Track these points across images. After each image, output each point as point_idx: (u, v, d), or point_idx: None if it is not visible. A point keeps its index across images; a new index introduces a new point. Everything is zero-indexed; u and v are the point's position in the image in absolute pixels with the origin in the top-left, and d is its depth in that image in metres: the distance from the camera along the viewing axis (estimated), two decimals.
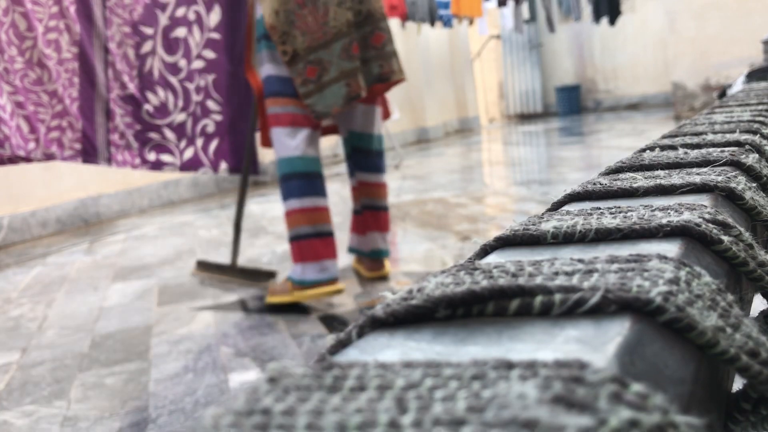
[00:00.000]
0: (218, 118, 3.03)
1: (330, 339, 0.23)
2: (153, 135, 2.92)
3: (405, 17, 6.24)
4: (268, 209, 4.40)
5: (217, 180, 5.66)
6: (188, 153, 2.97)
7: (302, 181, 2.22)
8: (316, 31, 2.13)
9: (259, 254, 3.17)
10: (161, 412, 1.63)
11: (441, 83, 8.53)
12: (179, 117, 2.96)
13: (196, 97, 2.99)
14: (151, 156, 2.92)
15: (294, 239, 2.24)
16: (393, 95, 7.41)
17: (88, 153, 2.80)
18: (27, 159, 2.67)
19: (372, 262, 2.52)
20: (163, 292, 2.72)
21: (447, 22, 6.68)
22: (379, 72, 2.24)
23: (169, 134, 2.94)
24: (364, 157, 2.45)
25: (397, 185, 4.85)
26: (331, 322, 2.15)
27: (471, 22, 6.95)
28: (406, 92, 8.05)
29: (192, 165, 2.99)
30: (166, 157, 2.94)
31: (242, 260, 3.08)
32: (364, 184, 2.47)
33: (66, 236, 4.27)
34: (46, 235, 4.37)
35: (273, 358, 1.89)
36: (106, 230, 4.35)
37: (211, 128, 2.99)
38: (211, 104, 2.99)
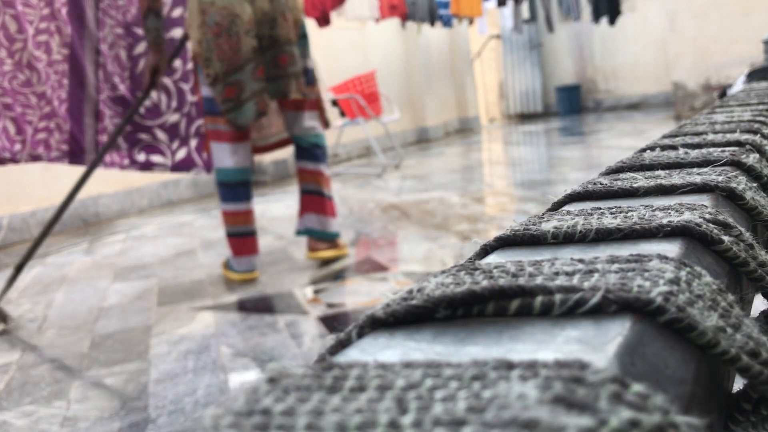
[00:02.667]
0: None
1: (330, 339, 0.23)
2: (143, 136, 2.92)
3: (405, 17, 6.24)
4: (268, 209, 4.40)
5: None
6: (181, 153, 2.97)
7: (226, 189, 2.64)
8: (231, 57, 2.47)
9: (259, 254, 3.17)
10: (161, 412, 1.63)
11: (441, 83, 8.53)
12: (172, 117, 2.96)
13: (191, 98, 2.99)
14: (141, 156, 2.92)
15: (227, 235, 2.72)
16: (393, 95, 7.42)
17: (75, 154, 2.80)
18: (12, 161, 2.67)
19: (312, 242, 2.83)
20: (163, 292, 2.72)
21: (447, 22, 6.68)
22: (281, 89, 2.59)
23: (161, 135, 2.94)
24: (302, 150, 2.80)
25: (397, 185, 4.85)
26: (331, 322, 2.15)
27: (471, 22, 6.95)
28: (406, 92, 8.05)
29: (184, 165, 2.99)
30: (156, 158, 2.94)
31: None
32: (301, 170, 2.82)
33: (66, 236, 4.27)
34: None
35: (273, 358, 1.89)
36: (105, 230, 4.35)
37: (205, 128, 2.99)
38: None
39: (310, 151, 2.78)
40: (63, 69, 2.78)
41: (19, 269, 2.59)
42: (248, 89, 2.51)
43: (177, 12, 2.95)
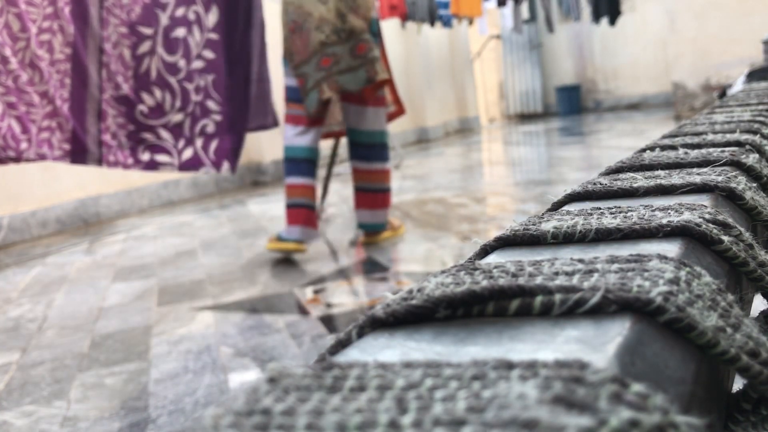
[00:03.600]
0: (218, 118, 3.02)
1: (330, 339, 0.23)
2: (147, 135, 2.92)
3: (405, 17, 6.24)
4: (268, 209, 4.40)
5: (216, 180, 5.66)
6: (187, 153, 2.97)
7: (293, 164, 2.91)
8: (302, 51, 2.77)
9: (258, 254, 3.17)
10: (161, 412, 1.63)
11: (441, 83, 8.53)
12: (176, 117, 2.96)
13: (195, 97, 2.99)
14: (145, 156, 2.91)
15: (286, 206, 2.94)
16: None
17: (77, 153, 2.80)
18: (17, 159, 2.67)
19: (364, 235, 3.10)
20: (163, 292, 2.72)
21: (447, 22, 6.68)
22: (365, 76, 2.78)
23: (165, 134, 2.93)
24: (355, 148, 3.02)
25: (397, 185, 4.85)
26: (331, 322, 2.15)
27: (471, 22, 6.95)
28: (406, 92, 8.05)
29: (192, 165, 2.99)
30: (161, 157, 2.93)
31: (243, 261, 3.08)
32: (355, 170, 3.04)
33: (66, 236, 4.27)
34: (45, 235, 4.37)
35: (273, 358, 1.89)
36: (105, 230, 4.35)
37: (211, 128, 2.99)
38: (210, 104, 2.98)
39: (364, 150, 3.00)
40: (65, 68, 2.77)
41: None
42: (311, 80, 2.79)
43: (180, 11, 2.95)
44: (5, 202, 4.20)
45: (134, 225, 4.43)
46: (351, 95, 2.92)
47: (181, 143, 2.98)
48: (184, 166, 2.98)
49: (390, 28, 7.47)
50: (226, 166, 2.94)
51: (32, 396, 1.82)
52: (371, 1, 2.84)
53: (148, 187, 5.11)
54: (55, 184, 4.47)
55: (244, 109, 2.99)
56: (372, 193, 3.01)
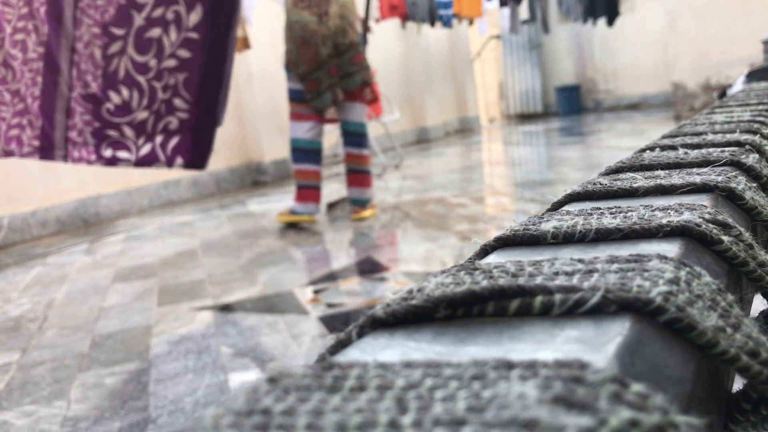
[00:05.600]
0: (184, 116, 3.03)
1: (330, 339, 0.23)
2: (111, 132, 2.94)
3: (405, 17, 6.24)
4: (268, 209, 4.40)
5: (217, 180, 5.66)
6: (145, 149, 2.98)
7: (301, 153, 3.59)
8: (311, 61, 3.41)
9: (258, 254, 3.17)
10: (161, 412, 1.63)
11: (441, 83, 8.53)
12: (141, 115, 2.98)
13: (162, 95, 3.00)
14: (107, 152, 2.94)
15: (298, 187, 3.63)
16: (393, 95, 7.41)
17: (45, 150, 2.83)
18: None
19: (354, 207, 3.73)
20: (163, 292, 2.72)
21: (447, 23, 6.68)
22: (361, 79, 3.53)
23: (128, 131, 2.95)
24: (348, 136, 3.71)
25: (397, 185, 4.85)
26: (331, 322, 2.15)
27: (471, 22, 6.95)
28: (406, 92, 8.05)
29: (147, 160, 3.00)
30: (122, 154, 2.95)
31: (243, 261, 3.08)
32: (349, 155, 3.72)
33: (66, 236, 4.27)
34: (46, 235, 4.37)
35: (273, 358, 1.89)
36: (106, 230, 4.35)
37: (174, 125, 3.01)
38: (178, 102, 2.98)
39: (356, 138, 3.69)
40: (37, 67, 2.80)
41: None
42: (324, 83, 3.47)
43: (158, 12, 2.95)
44: (5, 202, 4.20)
45: (134, 225, 4.43)
46: (346, 94, 3.58)
47: (142, 140, 3.00)
48: (140, 162, 3.00)
49: (390, 28, 7.47)
50: (179, 161, 2.94)
51: (32, 396, 1.82)
52: (356, 16, 3.55)
53: (149, 187, 5.11)
54: (55, 184, 4.47)
55: (212, 107, 3.00)
56: (361, 174, 3.70)
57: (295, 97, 3.53)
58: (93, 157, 2.91)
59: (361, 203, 3.74)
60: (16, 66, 2.69)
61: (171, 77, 2.97)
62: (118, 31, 2.90)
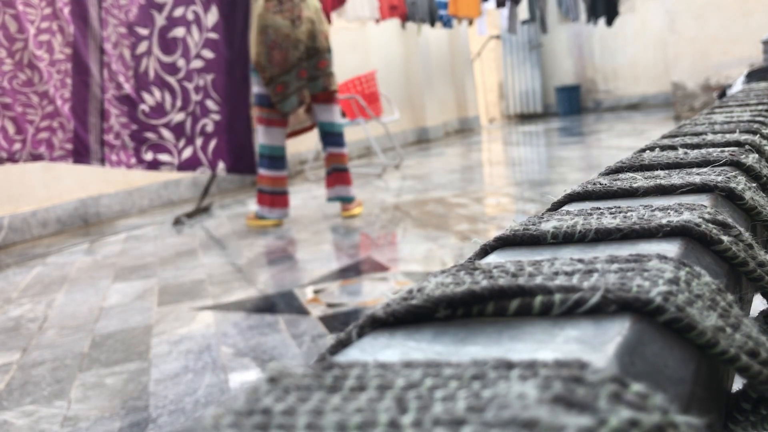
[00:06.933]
0: (217, 117, 3.02)
1: (330, 339, 0.23)
2: (150, 135, 2.93)
3: (405, 18, 6.24)
4: None
5: (217, 180, 5.66)
6: (187, 152, 2.97)
7: (269, 160, 3.59)
8: (282, 64, 3.44)
9: (258, 254, 3.17)
10: (161, 412, 1.63)
11: (441, 83, 8.53)
12: (177, 117, 2.97)
13: (195, 97, 3.00)
14: (148, 156, 2.92)
15: (263, 192, 3.66)
16: (393, 95, 7.41)
17: (80, 153, 2.80)
18: (10, 160, 2.67)
19: (344, 205, 3.81)
20: (163, 292, 2.72)
21: (447, 23, 6.68)
22: (322, 84, 3.60)
23: (167, 134, 2.94)
24: (329, 137, 3.78)
25: (397, 185, 4.85)
26: (331, 322, 2.15)
27: (470, 22, 6.95)
28: (406, 92, 8.05)
29: (190, 164, 2.99)
30: (163, 157, 2.94)
31: (243, 261, 3.08)
32: (331, 155, 3.79)
33: (66, 236, 4.27)
34: (46, 235, 4.37)
35: (273, 358, 1.89)
36: (106, 230, 4.35)
37: (210, 128, 3.00)
38: (210, 104, 2.98)
39: (336, 138, 3.78)
40: (66, 68, 2.78)
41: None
42: (292, 86, 3.50)
43: (178, 11, 2.95)
44: (6, 202, 4.20)
45: (134, 225, 4.43)
46: (322, 96, 3.67)
47: (182, 143, 2.99)
48: (183, 166, 2.99)
49: (390, 28, 7.47)
50: (221, 165, 2.94)
51: (33, 396, 1.82)
52: (325, 23, 3.64)
53: (149, 187, 5.11)
54: (55, 184, 4.47)
55: (241, 108, 3.00)
56: (345, 172, 3.79)
57: (262, 101, 3.54)
58: (133, 160, 2.91)
59: (349, 200, 3.82)
60: (42, 67, 2.69)
61: (200, 78, 2.98)
62: (143, 31, 2.91)
